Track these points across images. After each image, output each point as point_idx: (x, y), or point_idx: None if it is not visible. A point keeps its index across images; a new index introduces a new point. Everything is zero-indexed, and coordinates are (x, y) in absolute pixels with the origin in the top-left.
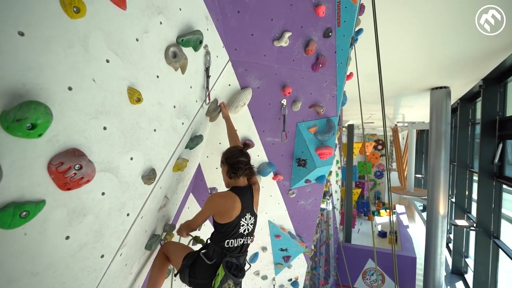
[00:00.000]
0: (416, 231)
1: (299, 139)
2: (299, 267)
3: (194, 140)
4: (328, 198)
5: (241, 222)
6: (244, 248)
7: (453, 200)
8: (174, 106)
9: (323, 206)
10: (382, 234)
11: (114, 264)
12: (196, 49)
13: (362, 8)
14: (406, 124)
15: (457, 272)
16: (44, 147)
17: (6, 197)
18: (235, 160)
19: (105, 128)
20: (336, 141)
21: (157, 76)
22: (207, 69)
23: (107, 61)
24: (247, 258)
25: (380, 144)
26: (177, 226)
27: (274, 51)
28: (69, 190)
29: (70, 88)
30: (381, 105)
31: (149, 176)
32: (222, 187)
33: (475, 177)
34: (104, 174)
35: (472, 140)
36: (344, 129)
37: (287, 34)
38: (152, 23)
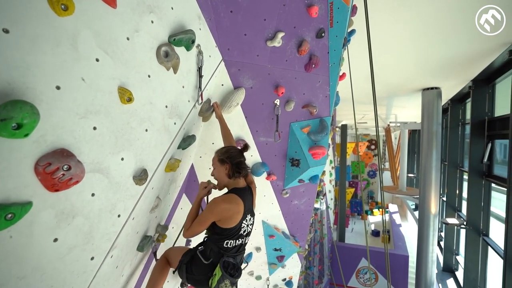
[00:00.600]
0: (409, 229)
1: (293, 139)
2: (293, 266)
3: (187, 140)
4: (321, 197)
5: (242, 224)
6: (241, 247)
7: (444, 199)
8: (166, 106)
9: (316, 205)
10: (375, 233)
11: (104, 266)
12: (188, 48)
13: (354, 9)
14: (398, 124)
15: (448, 269)
16: (30, 148)
17: None
18: (239, 160)
19: (95, 128)
20: (330, 141)
21: (149, 76)
22: (199, 69)
23: (97, 60)
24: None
25: (373, 144)
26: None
27: (267, 51)
28: (57, 192)
29: (58, 87)
30: (374, 106)
31: (141, 176)
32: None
33: (465, 176)
34: (94, 175)
35: (462, 140)
36: (337, 129)
37: (280, 34)
38: (143, 22)
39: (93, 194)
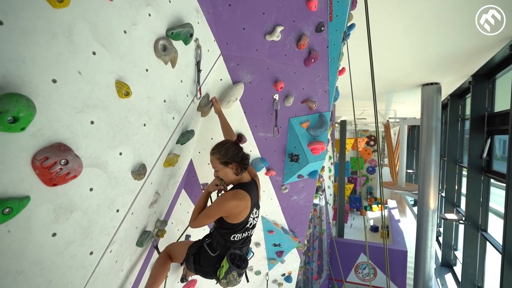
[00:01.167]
0: (407, 225)
1: (292, 134)
2: (292, 262)
3: (186, 135)
4: (321, 193)
5: (249, 218)
6: (247, 239)
7: (443, 194)
8: (164, 101)
9: (316, 201)
10: (374, 229)
11: (104, 261)
12: (186, 42)
13: (354, 2)
14: (397, 120)
15: (447, 264)
16: (27, 142)
17: None
18: (241, 154)
19: (92, 122)
20: (329, 137)
21: (146, 70)
22: (198, 63)
23: (94, 53)
24: None
25: (372, 140)
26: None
27: (266, 46)
28: (55, 186)
29: (54, 81)
30: (373, 101)
31: (139, 171)
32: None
33: (465, 172)
34: (92, 169)
35: (462, 136)
36: (336, 125)
37: (279, 29)
38: (140, 15)
39: (91, 189)
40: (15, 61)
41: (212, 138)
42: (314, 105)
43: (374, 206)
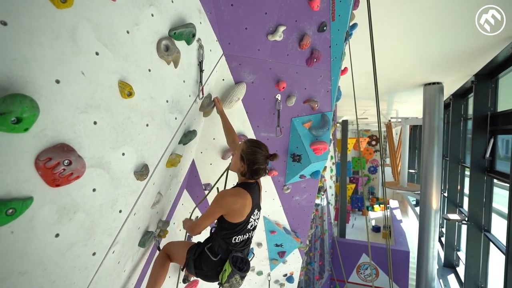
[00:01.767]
0: (409, 225)
1: (294, 134)
2: (294, 262)
3: (188, 136)
4: (322, 193)
5: (250, 219)
6: (248, 241)
7: (446, 194)
8: (167, 101)
9: (317, 201)
10: (376, 229)
11: (106, 262)
12: (189, 42)
13: (356, 2)
14: (399, 120)
15: (449, 265)
16: (31, 142)
17: None
18: (258, 167)
19: (95, 123)
20: (331, 137)
21: (149, 70)
22: (200, 63)
23: (97, 53)
24: None
25: (374, 140)
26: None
27: (268, 46)
28: (58, 187)
29: (57, 81)
30: (376, 101)
31: (142, 172)
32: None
33: (467, 172)
34: (94, 170)
35: (464, 135)
36: (338, 124)
37: (281, 28)
38: (143, 15)
39: (94, 190)
40: (19, 61)
41: (214, 138)
42: (316, 105)
43: (376, 206)
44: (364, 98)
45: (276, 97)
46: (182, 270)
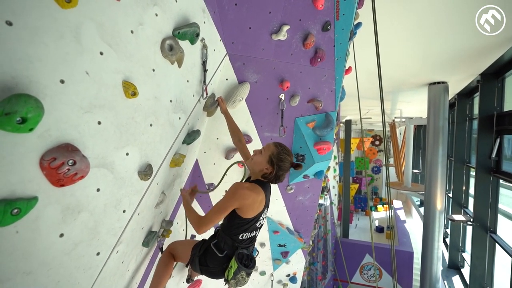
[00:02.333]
0: (413, 226)
1: (297, 134)
2: (297, 262)
3: (191, 135)
4: (326, 193)
5: (260, 217)
6: (254, 239)
7: (450, 195)
8: (171, 101)
9: (321, 201)
10: (379, 229)
11: (110, 262)
12: (192, 42)
13: (361, 1)
14: (403, 120)
15: (454, 266)
16: (35, 142)
17: None
18: (282, 173)
19: (99, 123)
20: (334, 136)
21: (153, 70)
22: (204, 63)
23: (101, 53)
24: None
25: (378, 140)
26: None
27: (272, 45)
28: (62, 187)
29: (62, 81)
30: (380, 100)
31: (146, 172)
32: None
33: (472, 172)
34: (98, 170)
35: (470, 135)
36: (341, 124)
37: (285, 28)
38: (147, 14)
39: (98, 189)
40: (23, 61)
41: (217, 138)
42: (320, 105)
43: (379, 207)
44: (368, 98)
45: (280, 96)
46: (186, 267)
